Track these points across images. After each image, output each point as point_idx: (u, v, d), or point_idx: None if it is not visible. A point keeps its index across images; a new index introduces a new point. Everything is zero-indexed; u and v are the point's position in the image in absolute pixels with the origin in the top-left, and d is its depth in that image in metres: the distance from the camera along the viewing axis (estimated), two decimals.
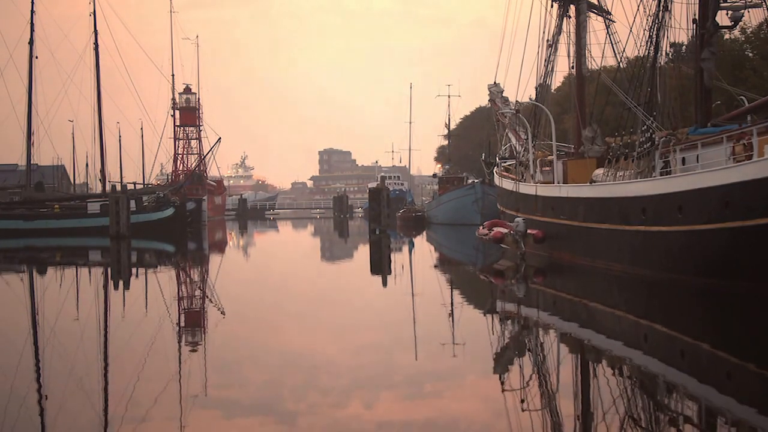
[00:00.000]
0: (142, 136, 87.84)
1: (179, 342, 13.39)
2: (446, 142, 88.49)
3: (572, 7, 29.41)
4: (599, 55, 29.32)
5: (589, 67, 29.25)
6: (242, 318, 16.08)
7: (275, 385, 9.86)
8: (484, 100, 57.66)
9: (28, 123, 54.18)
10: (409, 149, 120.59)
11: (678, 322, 14.35)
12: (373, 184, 62.26)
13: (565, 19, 29.86)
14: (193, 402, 9.03)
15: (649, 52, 21.84)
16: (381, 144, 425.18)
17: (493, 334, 13.60)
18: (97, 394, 9.55)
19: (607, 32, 27.97)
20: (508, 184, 33.53)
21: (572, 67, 30.00)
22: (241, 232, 66.80)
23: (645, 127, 20.66)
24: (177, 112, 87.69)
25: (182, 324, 15.47)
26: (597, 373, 10.54)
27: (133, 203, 50.91)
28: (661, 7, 21.31)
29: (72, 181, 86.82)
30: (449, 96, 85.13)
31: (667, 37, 21.96)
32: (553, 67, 31.12)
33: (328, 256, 37.35)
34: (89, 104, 62.06)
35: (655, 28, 21.49)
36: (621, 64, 27.36)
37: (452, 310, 16.53)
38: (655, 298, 17.74)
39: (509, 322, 15.01)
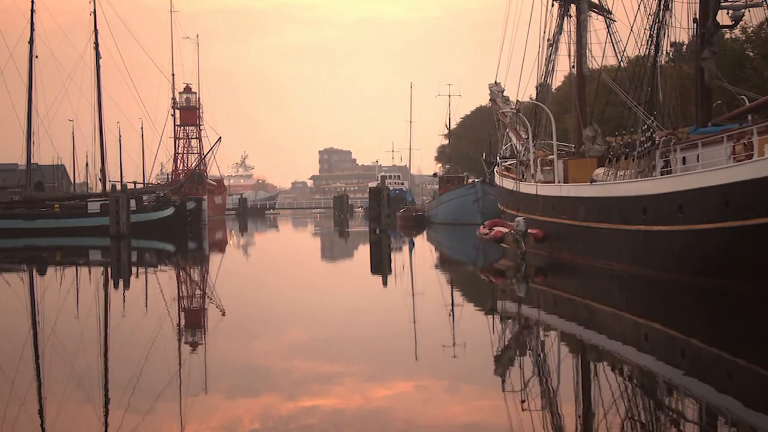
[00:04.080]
0: (143, 135, 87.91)
1: (179, 341, 13.39)
2: (447, 142, 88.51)
3: (573, 7, 29.39)
4: (600, 55, 29.37)
5: (590, 67, 29.24)
6: (242, 317, 16.05)
7: (276, 385, 9.85)
8: (484, 100, 57.76)
9: (28, 122, 54.15)
10: (410, 148, 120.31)
11: (678, 322, 14.34)
12: (373, 184, 62.22)
13: (565, 18, 29.86)
14: (192, 402, 9.03)
15: (649, 52, 21.83)
16: (381, 143, 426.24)
17: (493, 334, 13.60)
18: (97, 394, 9.54)
19: (608, 31, 27.99)
20: (508, 184, 33.51)
21: (573, 67, 30.00)
22: (242, 231, 66.81)
23: (645, 126, 20.64)
24: (177, 112, 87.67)
25: (182, 323, 15.47)
26: (597, 373, 10.53)
27: (133, 203, 50.87)
28: (662, 7, 21.29)
29: (72, 181, 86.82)
30: (449, 95, 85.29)
31: (668, 37, 21.97)
32: (553, 67, 31.13)
33: (329, 256, 37.35)
34: (89, 104, 61.77)
35: (656, 28, 21.48)
36: (622, 63, 27.36)
37: (452, 310, 16.53)
38: (655, 297, 17.73)
39: (510, 321, 15.00)
